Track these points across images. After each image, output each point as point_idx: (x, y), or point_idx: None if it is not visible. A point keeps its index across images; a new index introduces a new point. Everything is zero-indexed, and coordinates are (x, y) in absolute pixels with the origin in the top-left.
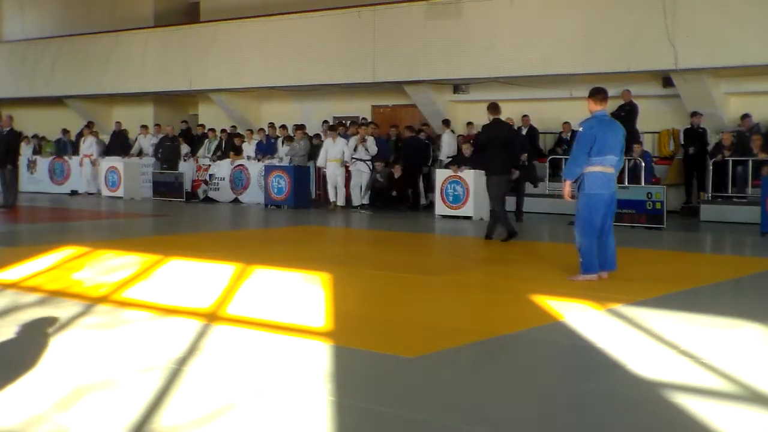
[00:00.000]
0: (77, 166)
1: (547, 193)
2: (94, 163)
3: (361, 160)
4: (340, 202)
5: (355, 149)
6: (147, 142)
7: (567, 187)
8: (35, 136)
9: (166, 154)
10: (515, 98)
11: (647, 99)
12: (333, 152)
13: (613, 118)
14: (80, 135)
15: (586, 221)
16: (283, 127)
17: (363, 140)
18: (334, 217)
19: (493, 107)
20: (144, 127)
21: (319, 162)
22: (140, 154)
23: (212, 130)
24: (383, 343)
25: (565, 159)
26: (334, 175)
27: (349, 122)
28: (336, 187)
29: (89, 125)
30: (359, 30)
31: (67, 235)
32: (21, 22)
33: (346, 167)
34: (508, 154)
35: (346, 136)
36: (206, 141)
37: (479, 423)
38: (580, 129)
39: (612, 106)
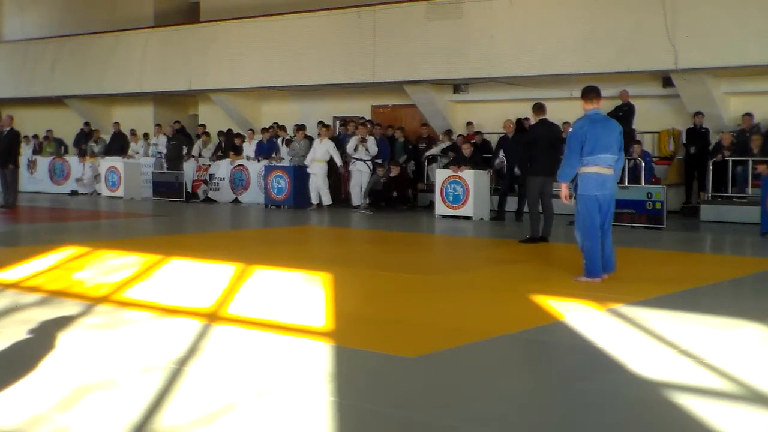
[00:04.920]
0: (78, 166)
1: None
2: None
3: (361, 160)
4: (326, 201)
5: (356, 149)
6: (139, 147)
7: (564, 189)
8: (58, 140)
9: (170, 153)
10: (515, 98)
11: (647, 99)
12: (319, 153)
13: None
14: (88, 135)
15: (586, 223)
16: (283, 127)
17: (363, 140)
18: (334, 218)
19: (539, 107)
20: (133, 133)
21: (306, 160)
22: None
23: (206, 134)
24: (384, 343)
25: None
26: (315, 175)
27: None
28: (319, 189)
29: (92, 128)
30: (359, 30)
31: (68, 235)
32: (21, 22)
33: (345, 166)
34: (555, 155)
35: (346, 137)
36: (198, 141)
37: (479, 423)
38: (571, 129)
39: (610, 106)
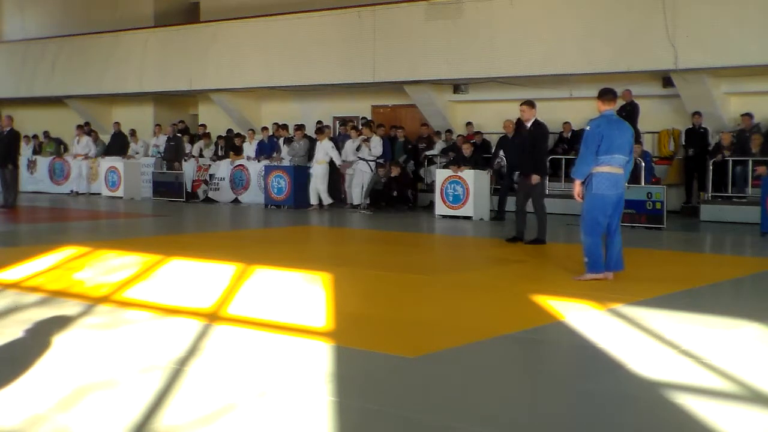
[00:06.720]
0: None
1: (547, 193)
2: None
3: (364, 159)
4: (326, 201)
5: (359, 149)
6: (138, 147)
7: (577, 186)
8: (58, 140)
9: (168, 153)
10: (515, 98)
11: (647, 99)
12: (319, 154)
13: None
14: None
15: (591, 221)
16: (284, 127)
17: (366, 140)
18: (334, 218)
19: (532, 105)
20: (133, 135)
21: (312, 162)
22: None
23: (206, 134)
24: (383, 343)
25: (566, 159)
26: (315, 176)
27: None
28: (318, 189)
29: (82, 126)
30: (359, 30)
31: (68, 235)
32: (21, 22)
33: (343, 167)
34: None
35: (346, 137)
36: (199, 142)
37: (479, 423)
38: (588, 128)
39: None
